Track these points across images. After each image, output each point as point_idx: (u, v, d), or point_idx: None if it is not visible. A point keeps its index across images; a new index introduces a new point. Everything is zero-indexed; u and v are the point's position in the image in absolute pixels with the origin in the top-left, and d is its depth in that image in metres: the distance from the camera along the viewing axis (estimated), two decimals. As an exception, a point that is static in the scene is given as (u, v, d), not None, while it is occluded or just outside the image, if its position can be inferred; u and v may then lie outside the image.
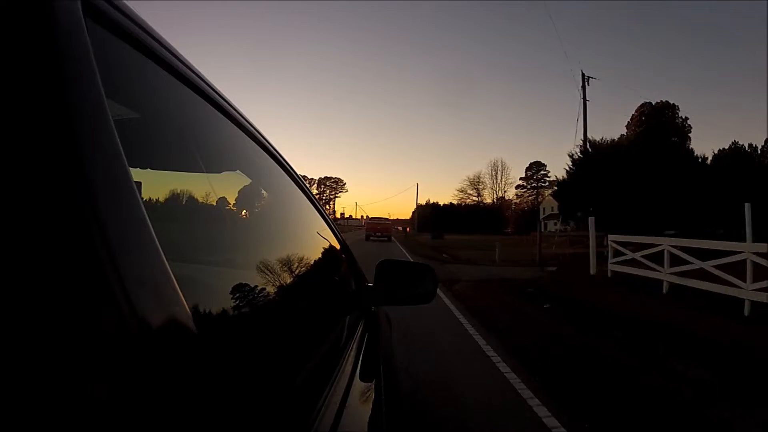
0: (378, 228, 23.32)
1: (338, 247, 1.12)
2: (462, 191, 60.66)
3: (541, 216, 51.76)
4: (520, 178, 60.62)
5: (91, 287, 0.22)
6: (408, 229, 40.92)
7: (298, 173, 0.95)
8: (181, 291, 0.29)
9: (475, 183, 61.05)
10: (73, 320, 0.21)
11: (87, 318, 0.21)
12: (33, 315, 0.20)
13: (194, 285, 0.38)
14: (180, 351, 0.27)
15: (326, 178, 77.74)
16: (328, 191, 76.75)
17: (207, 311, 0.37)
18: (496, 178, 61.93)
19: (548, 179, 57.10)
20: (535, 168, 60.05)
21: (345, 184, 78.17)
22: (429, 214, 48.01)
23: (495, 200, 60.09)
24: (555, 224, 48.35)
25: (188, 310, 0.29)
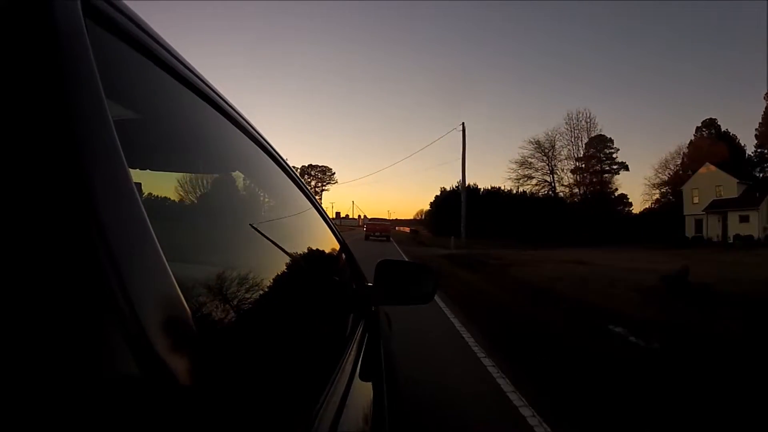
0: (377, 228, 23.46)
1: (338, 247, 1.12)
2: (526, 164, 35.03)
3: (691, 209, 27.87)
4: (576, 159, 35.52)
5: (91, 287, 0.22)
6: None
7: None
8: (181, 291, 0.29)
9: (547, 150, 34.81)
10: (73, 320, 0.21)
11: (87, 318, 0.21)
12: (32, 315, 0.20)
13: (194, 285, 0.38)
14: (180, 350, 0.27)
15: (311, 166, 64.19)
16: (314, 182, 62.99)
17: (207, 311, 0.37)
18: (579, 142, 35.49)
19: (615, 159, 34.97)
20: (598, 144, 35.46)
21: (334, 173, 65.49)
22: (455, 206, 25.27)
23: (584, 180, 34.62)
24: (744, 220, 23.18)
25: (188, 310, 0.29)
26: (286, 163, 0.87)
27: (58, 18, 0.26)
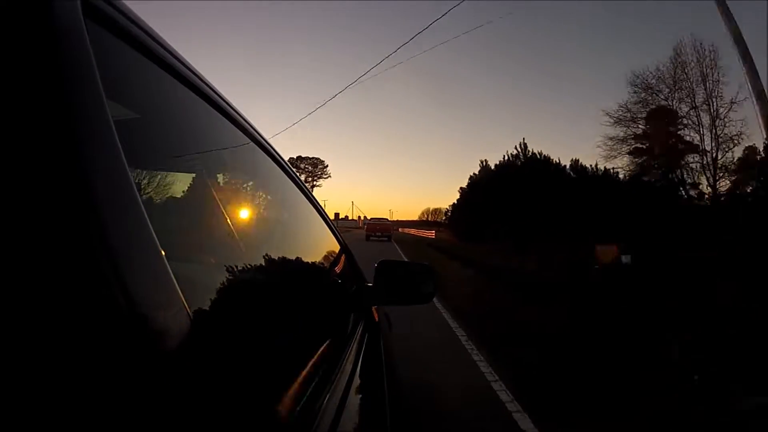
0: (378, 228, 23.40)
1: (338, 247, 1.12)
2: (628, 119, 18.24)
3: None
4: (635, 136, 18.63)
5: (91, 287, 0.22)
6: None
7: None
8: (181, 291, 0.29)
9: (666, 92, 17.36)
10: (72, 320, 0.21)
11: (87, 318, 0.21)
12: (33, 315, 0.20)
13: (194, 285, 0.38)
14: (180, 351, 0.27)
15: (300, 158, 55.20)
16: (303, 176, 50.77)
17: (207, 311, 0.37)
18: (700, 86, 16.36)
19: (682, 137, 17.62)
20: (660, 120, 17.93)
21: (327, 166, 56.50)
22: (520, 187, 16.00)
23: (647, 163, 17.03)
24: None
25: (188, 310, 0.29)
26: (286, 163, 0.87)
27: (58, 18, 0.26)
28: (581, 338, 3.44)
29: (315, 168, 55.94)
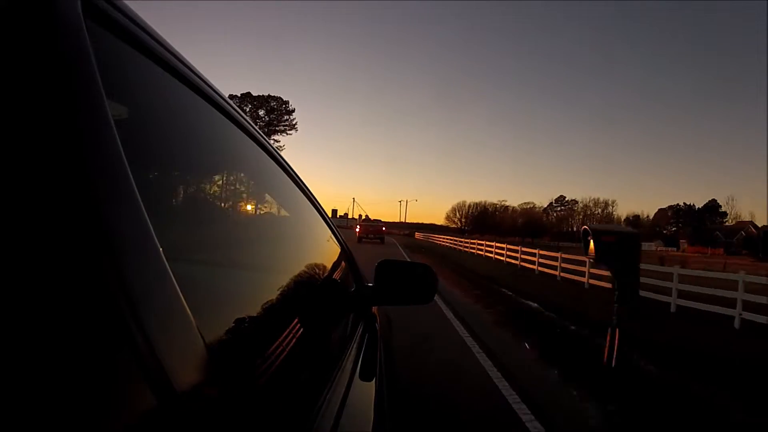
0: (370, 230, 23.55)
1: (338, 247, 1.13)
2: None
3: None
4: None
5: (90, 287, 0.22)
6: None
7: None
8: (182, 291, 0.29)
9: None
10: (72, 320, 0.21)
11: (87, 318, 0.21)
12: (33, 314, 0.19)
13: (195, 285, 0.38)
14: (180, 349, 0.27)
15: (245, 96, 35.61)
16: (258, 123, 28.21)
17: (206, 311, 0.37)
18: None
19: None
20: None
21: (293, 111, 37.08)
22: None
23: None
24: None
25: (188, 309, 0.29)
26: (287, 163, 0.87)
27: (58, 17, 0.26)
28: None
29: (273, 113, 34.47)
